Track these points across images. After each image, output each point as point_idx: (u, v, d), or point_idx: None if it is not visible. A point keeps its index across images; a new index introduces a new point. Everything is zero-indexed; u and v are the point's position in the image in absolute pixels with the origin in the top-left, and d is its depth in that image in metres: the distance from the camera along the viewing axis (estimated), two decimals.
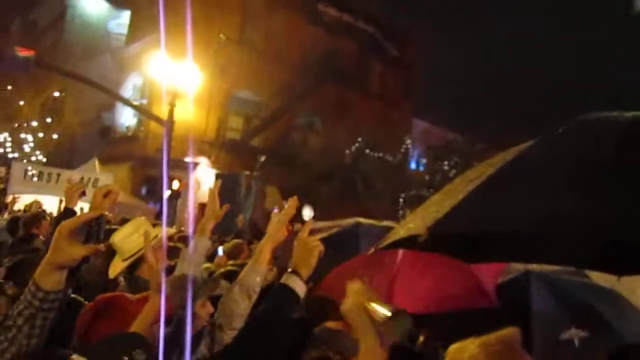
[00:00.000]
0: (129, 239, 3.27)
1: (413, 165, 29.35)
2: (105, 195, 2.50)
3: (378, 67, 28.40)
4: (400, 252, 3.73)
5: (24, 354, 1.70)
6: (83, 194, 3.72)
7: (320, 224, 5.06)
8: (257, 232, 6.88)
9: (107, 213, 1.89)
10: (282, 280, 2.31)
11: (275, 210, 6.68)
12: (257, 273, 2.59)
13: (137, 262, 3.42)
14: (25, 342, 1.68)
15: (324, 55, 24.79)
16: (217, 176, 14.66)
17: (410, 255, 3.67)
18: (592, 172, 1.49)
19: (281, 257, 4.52)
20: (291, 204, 2.72)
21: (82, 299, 2.49)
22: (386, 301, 3.66)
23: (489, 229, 1.67)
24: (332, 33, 25.37)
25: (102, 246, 1.87)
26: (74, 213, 3.69)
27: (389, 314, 1.56)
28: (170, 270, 3.47)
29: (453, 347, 1.68)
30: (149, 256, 2.35)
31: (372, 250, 2.64)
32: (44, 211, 9.28)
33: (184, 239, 5.30)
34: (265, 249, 2.64)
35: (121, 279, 3.82)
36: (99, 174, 14.84)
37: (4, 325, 1.70)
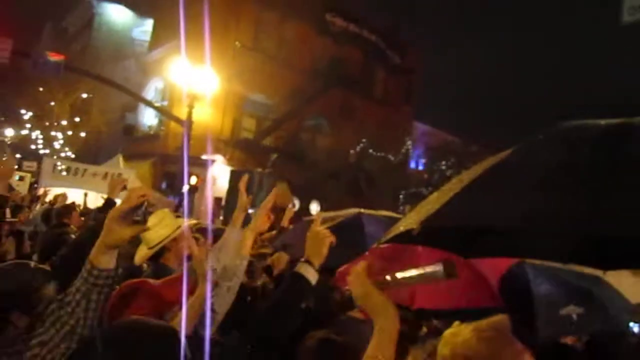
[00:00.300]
0: (153, 229, 3.31)
1: (413, 165, 29.31)
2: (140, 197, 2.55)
3: (381, 73, 28.36)
4: (419, 248, 3.66)
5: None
6: (124, 187, 3.78)
7: (323, 215, 5.07)
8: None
9: (150, 199, 1.95)
10: (296, 269, 2.35)
11: (290, 206, 6.70)
12: (240, 258, 2.59)
13: (161, 250, 3.46)
14: (82, 314, 1.75)
15: (332, 62, 24.80)
16: (232, 173, 14.69)
17: (429, 253, 3.62)
18: (574, 174, 1.51)
19: (292, 247, 4.55)
20: (271, 197, 2.72)
21: None
22: (409, 296, 3.65)
23: (478, 226, 1.69)
24: (339, 42, 25.35)
25: (146, 226, 1.94)
26: (114, 203, 3.74)
27: (441, 266, 1.45)
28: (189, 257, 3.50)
29: (448, 332, 1.71)
30: (194, 250, 2.43)
31: (375, 244, 2.65)
32: (73, 203, 9.35)
33: (202, 230, 5.33)
34: (248, 236, 2.65)
35: (145, 265, 3.86)
36: (123, 170, 14.92)
37: (64, 301, 1.78)
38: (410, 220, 1.66)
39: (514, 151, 1.71)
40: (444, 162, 26.32)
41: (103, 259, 1.79)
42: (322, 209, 20.05)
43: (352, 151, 24.39)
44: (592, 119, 1.70)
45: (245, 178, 2.88)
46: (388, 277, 1.60)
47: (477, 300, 3.67)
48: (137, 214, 1.87)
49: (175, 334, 1.53)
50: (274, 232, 6.34)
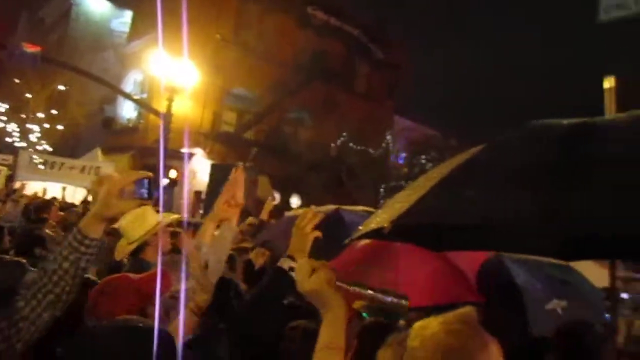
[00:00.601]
0: (134, 224, 3.33)
1: (393, 159, 29.44)
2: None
3: (364, 67, 28.37)
4: (398, 244, 3.64)
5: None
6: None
7: (301, 212, 5.09)
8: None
9: (150, 174, 1.98)
10: (279, 264, 2.38)
11: (269, 199, 6.74)
12: (201, 245, 2.62)
13: (141, 245, 3.49)
14: (70, 282, 1.76)
15: (313, 56, 24.77)
16: (213, 166, 14.65)
17: (410, 248, 3.54)
18: (540, 171, 1.59)
19: (273, 243, 4.61)
20: (228, 186, 2.72)
21: (95, 279, 2.56)
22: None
23: (448, 222, 1.76)
24: (320, 35, 25.30)
25: (148, 201, 1.97)
26: None
27: (397, 299, 1.65)
28: (172, 251, 3.51)
29: (417, 324, 1.73)
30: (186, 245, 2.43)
31: (347, 240, 2.68)
32: (54, 198, 9.27)
33: (182, 224, 5.37)
34: (208, 225, 2.68)
35: (125, 260, 3.89)
36: (101, 163, 14.82)
37: (47, 270, 1.76)
38: (380, 218, 1.71)
39: (482, 149, 1.77)
40: (423, 156, 26.50)
41: (95, 229, 1.83)
42: (303, 203, 20.10)
43: (333, 144, 24.44)
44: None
45: (239, 171, 2.86)
46: (355, 288, 1.73)
47: (458, 296, 3.71)
48: (141, 192, 1.90)
49: (166, 335, 1.55)
50: (252, 220, 6.38)
